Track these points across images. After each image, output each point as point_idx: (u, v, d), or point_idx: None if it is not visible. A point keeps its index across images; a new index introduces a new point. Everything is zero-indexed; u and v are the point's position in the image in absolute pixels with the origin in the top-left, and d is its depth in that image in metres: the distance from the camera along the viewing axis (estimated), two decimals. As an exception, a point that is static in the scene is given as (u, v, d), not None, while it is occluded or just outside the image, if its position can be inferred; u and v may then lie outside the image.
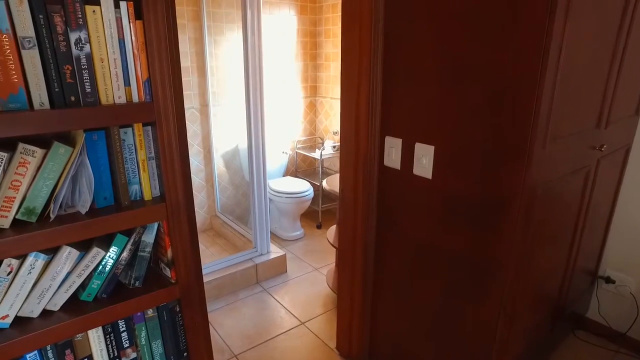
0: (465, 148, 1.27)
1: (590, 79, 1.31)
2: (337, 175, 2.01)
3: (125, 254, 0.97)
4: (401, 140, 1.48)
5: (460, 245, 1.35)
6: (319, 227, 3.36)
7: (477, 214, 1.28)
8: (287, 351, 1.99)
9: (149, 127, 0.95)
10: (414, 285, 1.56)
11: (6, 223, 0.83)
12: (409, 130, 1.43)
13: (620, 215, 1.92)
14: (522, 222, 1.21)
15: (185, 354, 1.15)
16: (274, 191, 2.98)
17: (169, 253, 1.04)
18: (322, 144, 3.54)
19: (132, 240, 0.98)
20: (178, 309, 1.10)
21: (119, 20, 0.84)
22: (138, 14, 0.85)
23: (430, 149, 1.38)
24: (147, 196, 0.99)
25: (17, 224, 0.84)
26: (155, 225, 1.02)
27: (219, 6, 2.81)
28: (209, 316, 2.26)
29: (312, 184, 3.16)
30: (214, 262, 2.42)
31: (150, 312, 1.04)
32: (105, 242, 0.96)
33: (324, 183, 2.25)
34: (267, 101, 3.23)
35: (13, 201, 0.82)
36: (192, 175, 2.94)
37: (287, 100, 3.36)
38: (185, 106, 2.80)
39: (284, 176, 3.37)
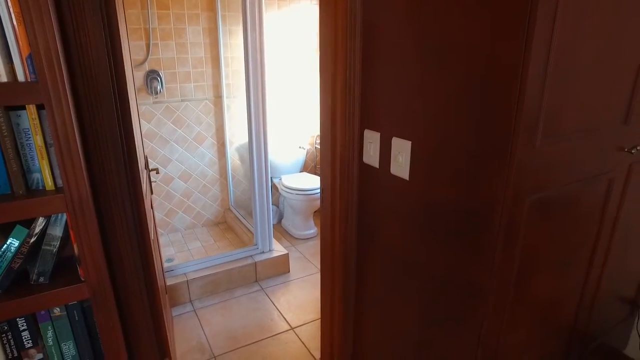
0: (443, 144, 1.05)
1: (611, 58, 1.02)
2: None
3: (23, 247, 0.90)
4: (379, 134, 1.29)
5: (438, 264, 1.13)
6: (334, 226, 3.20)
7: (454, 227, 1.06)
8: (269, 357, 1.87)
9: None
10: (395, 304, 1.36)
11: None
12: (387, 122, 1.24)
13: (669, 234, 1.56)
14: (504, 237, 0.98)
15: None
16: (286, 187, 2.87)
17: (76, 249, 0.95)
18: (344, 139, 3.36)
19: (32, 233, 0.90)
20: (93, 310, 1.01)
21: (-8, -13, 0.75)
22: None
23: (407, 144, 1.18)
24: (49, 186, 0.91)
25: None
26: (62, 217, 0.93)
27: (234, -5, 2.74)
28: (199, 312, 2.21)
29: (328, 182, 2.99)
30: (209, 257, 2.35)
31: (57, 311, 0.96)
32: (4, 234, 0.90)
33: (322, 180, 2.08)
34: (284, 95, 3.12)
35: None
36: (205, 167, 2.91)
37: (307, 93, 3.22)
38: (199, 97, 2.77)
39: (301, 172, 3.24)
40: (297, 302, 2.27)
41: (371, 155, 1.34)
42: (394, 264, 1.31)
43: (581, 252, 1.29)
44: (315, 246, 2.92)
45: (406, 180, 1.20)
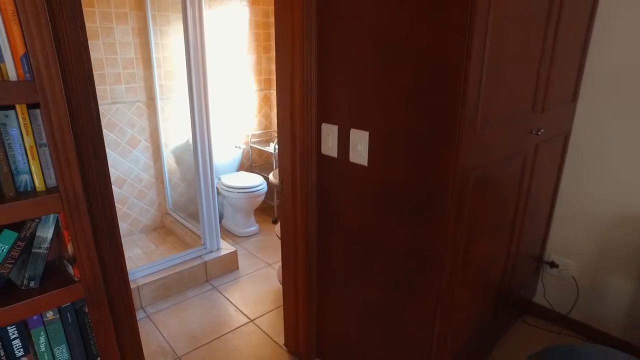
0: (398, 133, 1.23)
1: (522, 63, 1.30)
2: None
3: (14, 252, 0.88)
4: (337, 126, 1.43)
5: (399, 239, 1.31)
6: (275, 222, 3.29)
7: (411, 204, 1.25)
8: (233, 350, 1.92)
9: (38, 110, 0.86)
10: (357, 281, 1.51)
11: None
12: (345, 116, 1.39)
13: (562, 201, 1.95)
14: (455, 210, 1.18)
15: (98, 359, 1.06)
16: (226, 186, 2.89)
17: (70, 248, 0.94)
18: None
19: (22, 236, 0.88)
20: (87, 310, 1.01)
21: (-16, -15, 0.74)
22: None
23: (365, 134, 1.34)
24: (40, 187, 0.89)
25: None
26: (52, 218, 0.92)
27: (163, -6, 2.68)
28: (153, 317, 2.16)
29: (267, 179, 3.08)
30: (158, 261, 2.31)
31: (50, 315, 0.95)
32: (-10, 239, 0.86)
33: (271, 176, 2.18)
34: (218, 95, 3.13)
35: None
36: (140, 172, 2.81)
37: (240, 94, 3.26)
38: (131, 100, 2.68)
39: (237, 171, 3.27)
40: (252, 296, 2.33)
41: (329, 146, 1.48)
42: (357, 244, 1.46)
43: (506, 219, 1.57)
44: (259, 242, 2.99)
45: (365, 166, 1.37)
